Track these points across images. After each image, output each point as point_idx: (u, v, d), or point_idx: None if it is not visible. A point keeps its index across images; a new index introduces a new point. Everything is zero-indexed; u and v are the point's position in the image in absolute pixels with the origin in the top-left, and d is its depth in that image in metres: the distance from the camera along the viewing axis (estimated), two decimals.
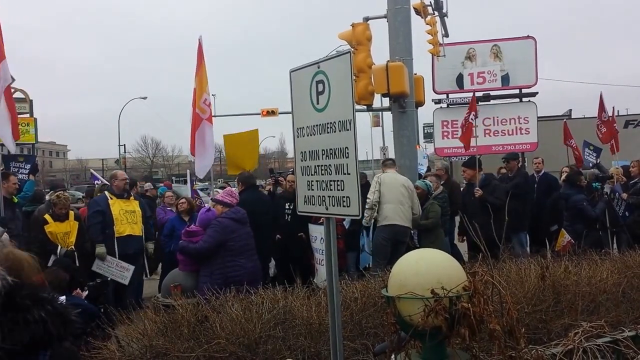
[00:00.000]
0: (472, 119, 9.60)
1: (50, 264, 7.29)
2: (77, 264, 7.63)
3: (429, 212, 8.20)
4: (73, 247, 7.78)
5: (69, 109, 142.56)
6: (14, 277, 1.95)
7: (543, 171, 11.38)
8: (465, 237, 9.60)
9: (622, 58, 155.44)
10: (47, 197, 8.68)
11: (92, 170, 16.44)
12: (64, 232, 7.78)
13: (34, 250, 6.69)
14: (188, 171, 15.18)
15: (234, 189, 8.13)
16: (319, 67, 3.53)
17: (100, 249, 7.86)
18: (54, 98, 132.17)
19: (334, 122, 3.41)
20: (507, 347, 2.72)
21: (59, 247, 7.65)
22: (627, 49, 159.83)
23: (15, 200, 8.05)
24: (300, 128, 3.77)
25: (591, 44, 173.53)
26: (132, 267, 7.96)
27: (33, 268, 2.10)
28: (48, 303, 1.98)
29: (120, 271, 7.91)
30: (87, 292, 5.82)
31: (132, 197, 8.46)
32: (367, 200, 7.85)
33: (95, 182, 12.31)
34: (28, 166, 8.83)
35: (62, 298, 4.49)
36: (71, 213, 8.00)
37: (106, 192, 8.27)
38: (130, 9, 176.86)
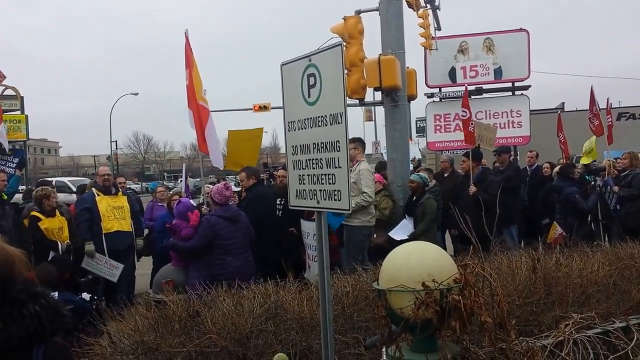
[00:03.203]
0: (463, 115, 9.54)
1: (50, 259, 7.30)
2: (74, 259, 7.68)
3: (426, 208, 8.13)
4: (69, 241, 7.78)
5: (61, 106, 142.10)
6: (6, 272, 1.95)
7: (536, 164, 11.43)
8: (456, 231, 9.57)
9: (614, 51, 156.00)
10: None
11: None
12: (57, 227, 7.77)
13: (28, 248, 6.66)
14: (184, 165, 15.03)
15: (230, 183, 8.10)
16: (310, 60, 3.51)
17: (89, 246, 7.87)
18: (45, 95, 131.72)
19: (325, 115, 3.40)
20: (498, 339, 2.72)
21: (59, 243, 7.64)
22: (619, 42, 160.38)
23: (5, 197, 8.00)
24: (291, 122, 3.75)
25: (584, 36, 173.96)
26: (121, 266, 7.99)
27: (24, 264, 2.10)
28: (42, 297, 1.98)
29: (109, 269, 7.92)
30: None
31: (120, 193, 8.46)
32: (367, 198, 7.67)
33: None
34: (16, 160, 8.77)
35: (54, 294, 4.48)
36: (56, 209, 8.00)
37: (93, 189, 8.28)
38: (122, 7, 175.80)
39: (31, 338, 1.89)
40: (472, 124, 9.35)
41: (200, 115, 7.74)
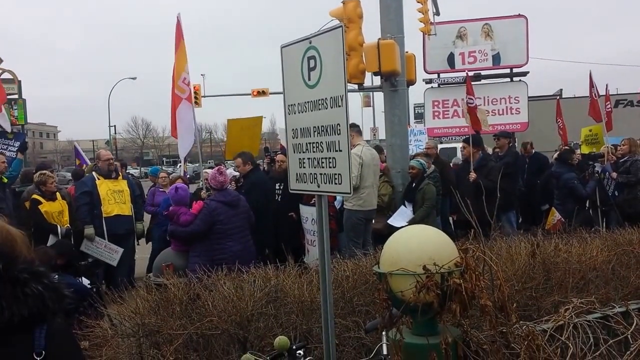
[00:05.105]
0: (470, 102, 9.40)
1: (50, 243, 7.30)
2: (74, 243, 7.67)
3: (425, 193, 8.13)
4: (69, 225, 7.78)
5: (60, 90, 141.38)
6: (8, 251, 1.93)
7: (534, 150, 11.45)
8: (455, 216, 9.61)
9: (613, 38, 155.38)
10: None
11: (75, 144, 15.65)
12: (58, 211, 7.76)
13: (28, 231, 6.62)
14: None
15: (225, 168, 8.08)
16: (310, 43, 3.48)
17: (89, 230, 7.86)
18: (44, 79, 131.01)
19: (326, 98, 3.37)
20: (499, 323, 2.74)
21: (59, 226, 7.64)
22: (618, 29, 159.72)
23: (5, 180, 7.97)
24: (291, 105, 3.73)
25: (582, 23, 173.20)
26: (120, 250, 7.99)
27: (25, 244, 2.09)
28: (44, 277, 1.97)
29: (108, 253, 7.93)
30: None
31: (120, 177, 8.45)
32: None
33: (77, 157, 12.92)
34: (17, 144, 8.75)
35: (54, 276, 4.48)
36: (57, 193, 7.99)
37: (94, 173, 8.27)
38: None
39: (34, 318, 1.87)
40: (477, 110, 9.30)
41: (174, 101, 7.79)
